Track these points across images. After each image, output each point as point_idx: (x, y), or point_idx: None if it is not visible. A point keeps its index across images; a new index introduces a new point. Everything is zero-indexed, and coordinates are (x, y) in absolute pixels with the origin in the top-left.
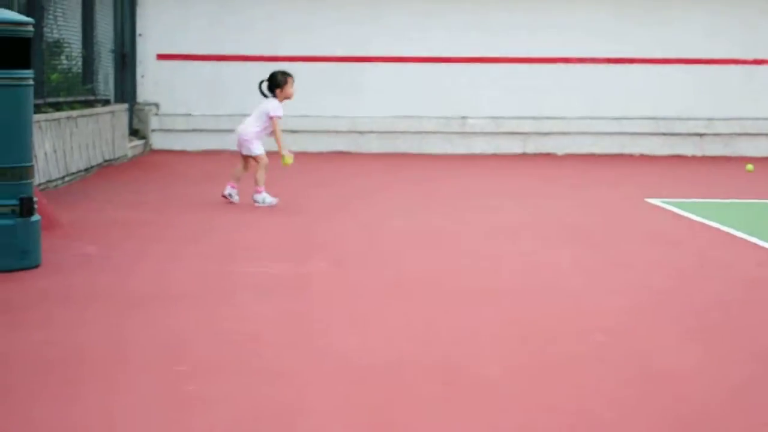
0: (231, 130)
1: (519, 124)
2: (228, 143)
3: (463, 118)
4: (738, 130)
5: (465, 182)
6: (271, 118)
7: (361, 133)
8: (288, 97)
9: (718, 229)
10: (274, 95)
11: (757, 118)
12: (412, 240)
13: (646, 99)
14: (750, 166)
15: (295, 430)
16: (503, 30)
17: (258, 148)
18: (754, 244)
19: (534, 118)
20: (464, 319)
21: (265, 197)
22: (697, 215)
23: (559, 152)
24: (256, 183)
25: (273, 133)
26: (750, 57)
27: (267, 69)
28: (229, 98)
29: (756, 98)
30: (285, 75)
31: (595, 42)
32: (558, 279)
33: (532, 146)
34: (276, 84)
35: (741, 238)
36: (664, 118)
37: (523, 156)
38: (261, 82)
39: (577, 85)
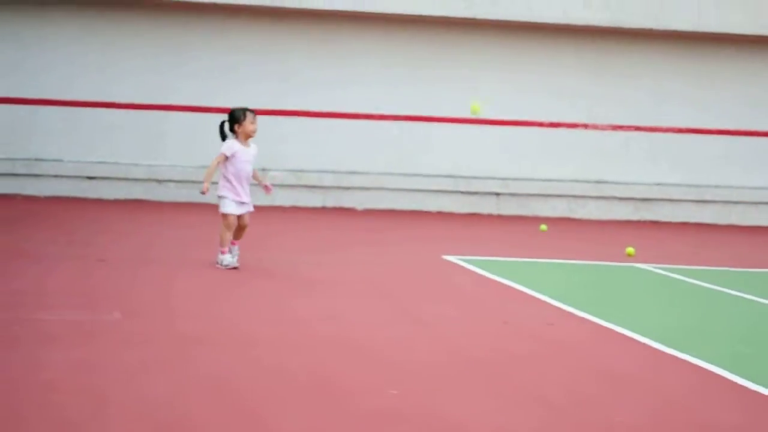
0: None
1: (320, 177)
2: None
3: (264, 170)
4: (533, 191)
5: (264, 235)
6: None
7: (159, 181)
8: (249, 134)
9: (511, 287)
10: (235, 133)
11: (552, 180)
12: (207, 292)
13: (445, 157)
14: (543, 227)
15: None
16: (307, 83)
17: (222, 205)
18: (545, 302)
19: (334, 172)
20: (262, 374)
21: (223, 258)
22: (493, 273)
23: (359, 207)
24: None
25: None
26: (547, 120)
27: (62, 112)
28: (23, 142)
29: (551, 160)
30: (244, 111)
31: (396, 99)
32: (352, 333)
33: (332, 200)
34: (234, 119)
35: (532, 296)
36: (462, 177)
37: (323, 210)
38: (222, 123)
39: (378, 141)
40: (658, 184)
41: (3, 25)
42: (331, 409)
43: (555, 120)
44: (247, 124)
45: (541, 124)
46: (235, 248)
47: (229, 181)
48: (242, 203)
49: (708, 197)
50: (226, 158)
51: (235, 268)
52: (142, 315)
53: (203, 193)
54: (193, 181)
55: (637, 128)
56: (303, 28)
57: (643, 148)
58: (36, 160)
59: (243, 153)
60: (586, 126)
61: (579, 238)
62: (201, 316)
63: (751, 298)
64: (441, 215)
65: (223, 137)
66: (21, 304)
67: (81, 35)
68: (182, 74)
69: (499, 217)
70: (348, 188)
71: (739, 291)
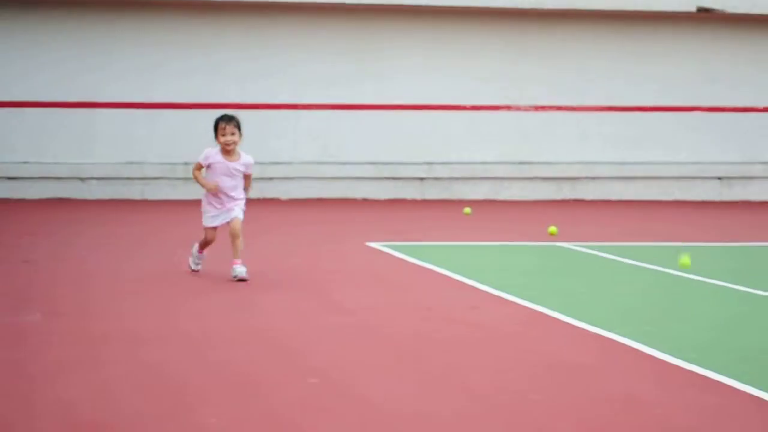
0: None
1: None
2: None
3: (186, 164)
4: (457, 175)
5: (187, 229)
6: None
7: (83, 179)
8: (223, 148)
9: (435, 272)
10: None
11: (475, 163)
12: (128, 290)
13: (369, 144)
14: (467, 210)
15: None
16: (231, 77)
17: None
18: (470, 286)
19: (260, 163)
20: (183, 369)
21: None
22: (417, 258)
23: (284, 197)
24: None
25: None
26: (469, 103)
27: None
28: None
29: (474, 143)
30: (219, 119)
31: (320, 89)
32: (274, 324)
33: (258, 191)
34: (214, 130)
35: (456, 280)
36: (386, 163)
37: (247, 201)
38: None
39: (302, 131)
40: (581, 163)
41: None
42: (253, 399)
43: (478, 103)
44: (219, 137)
45: (464, 107)
46: (203, 257)
47: (206, 194)
48: (222, 211)
49: (630, 174)
50: (202, 167)
51: (196, 271)
52: (63, 315)
53: (211, 189)
54: (117, 178)
55: (559, 108)
56: (227, 22)
57: (565, 128)
58: None
59: (221, 166)
60: (509, 108)
61: (503, 220)
62: (122, 315)
63: (669, 272)
64: (366, 202)
65: None
66: None
67: (2, 34)
68: (109, 72)
69: (424, 201)
70: (272, 179)
71: (658, 266)
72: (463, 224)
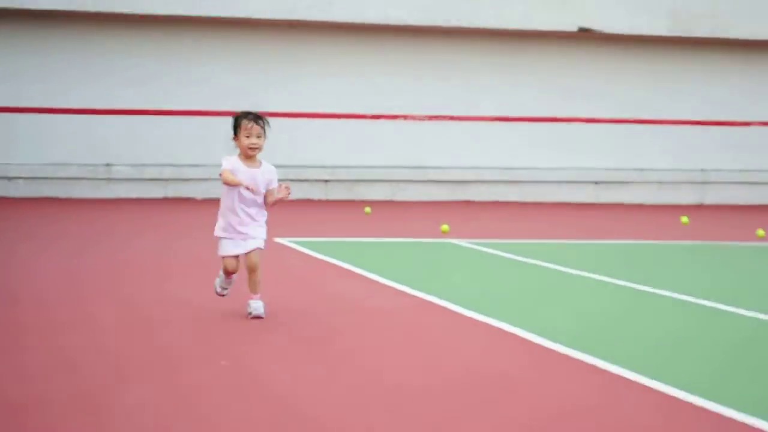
0: None
1: (160, 171)
2: None
3: (108, 165)
4: (359, 177)
5: (103, 227)
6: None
7: (9, 179)
8: (245, 151)
9: (336, 265)
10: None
11: (375, 167)
12: (49, 282)
13: (278, 149)
14: (368, 209)
15: None
16: (148, 82)
17: (218, 247)
18: (366, 277)
19: (174, 165)
20: (97, 354)
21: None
22: (320, 253)
23: (199, 196)
24: None
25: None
26: (369, 113)
27: None
28: None
29: (375, 149)
30: (239, 117)
31: (231, 95)
32: (183, 313)
33: (172, 191)
34: (233, 131)
35: (355, 272)
36: (294, 166)
37: (164, 200)
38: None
39: (213, 135)
40: (472, 168)
41: None
42: (165, 381)
43: (377, 113)
44: (241, 138)
45: (364, 116)
46: (231, 282)
47: (222, 215)
48: (240, 239)
49: (515, 178)
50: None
51: (222, 295)
52: None
53: (248, 188)
54: (42, 178)
55: (452, 118)
56: (148, 32)
57: (457, 136)
58: None
59: (244, 174)
60: (405, 117)
61: (400, 219)
62: (38, 303)
63: (548, 266)
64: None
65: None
66: None
67: None
68: (31, 78)
69: (328, 201)
70: (188, 180)
71: (539, 260)
72: (364, 222)
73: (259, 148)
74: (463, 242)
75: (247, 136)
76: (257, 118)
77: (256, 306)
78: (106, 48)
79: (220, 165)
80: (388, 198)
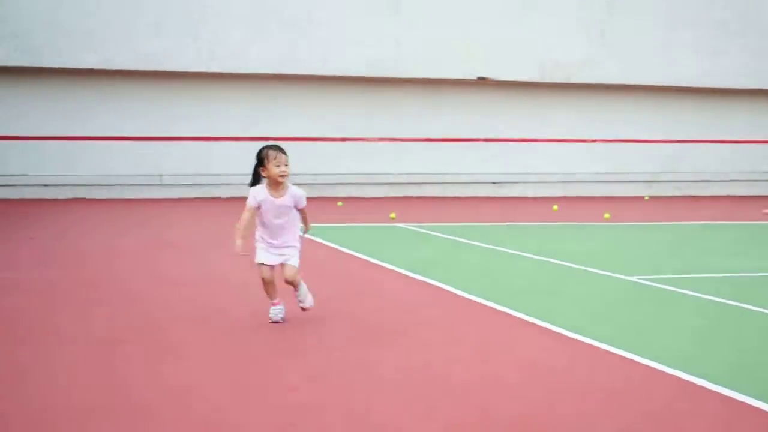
0: None
1: (194, 179)
2: None
3: (160, 175)
4: (332, 181)
5: (158, 215)
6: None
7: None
8: (275, 180)
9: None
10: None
11: (343, 174)
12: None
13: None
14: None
15: None
16: (178, 117)
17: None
18: (344, 252)
19: (204, 174)
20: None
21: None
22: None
23: (223, 196)
24: None
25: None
26: (338, 136)
27: None
28: None
29: (341, 162)
30: (267, 148)
31: (244, 126)
32: (126, 290)
33: (205, 192)
34: (259, 162)
35: (334, 248)
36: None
37: (200, 199)
38: (255, 166)
39: (233, 154)
40: (417, 173)
41: None
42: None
43: (342, 136)
44: (271, 167)
45: (334, 139)
46: (279, 307)
47: (260, 226)
48: (272, 249)
49: (443, 180)
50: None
51: (277, 322)
52: None
53: (238, 253)
54: (108, 186)
55: (393, 139)
56: (184, 86)
57: (399, 151)
58: None
59: (270, 204)
60: (363, 139)
61: (365, 212)
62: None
63: (478, 245)
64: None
65: (254, 182)
66: None
67: None
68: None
69: (311, 198)
70: (216, 184)
71: (470, 240)
72: (337, 213)
73: (287, 175)
74: (407, 226)
75: (277, 165)
76: (279, 148)
77: (302, 293)
78: (145, 96)
79: (238, 174)
80: (353, 195)
